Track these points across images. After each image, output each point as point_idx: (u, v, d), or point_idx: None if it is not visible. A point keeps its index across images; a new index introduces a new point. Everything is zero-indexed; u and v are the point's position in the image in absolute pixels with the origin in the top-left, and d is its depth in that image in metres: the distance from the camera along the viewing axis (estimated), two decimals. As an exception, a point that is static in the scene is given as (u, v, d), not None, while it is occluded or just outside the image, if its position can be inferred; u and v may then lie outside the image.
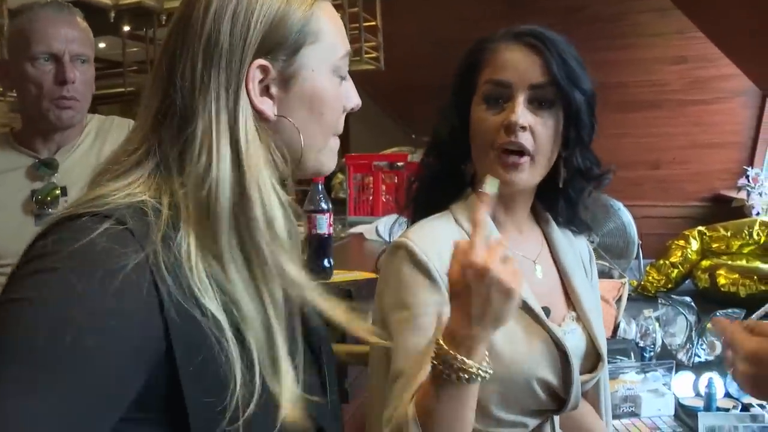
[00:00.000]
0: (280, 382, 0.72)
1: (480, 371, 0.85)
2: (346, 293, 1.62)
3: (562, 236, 1.18)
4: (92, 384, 0.62)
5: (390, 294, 1.04)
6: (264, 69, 0.75)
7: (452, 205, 1.12)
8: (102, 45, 9.27)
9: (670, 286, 2.94)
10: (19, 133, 1.65)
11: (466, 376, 0.84)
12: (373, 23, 4.17)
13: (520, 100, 1.03)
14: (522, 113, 1.02)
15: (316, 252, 1.74)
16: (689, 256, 2.96)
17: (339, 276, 1.76)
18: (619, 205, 3.08)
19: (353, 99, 0.85)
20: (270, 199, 0.73)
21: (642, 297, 2.85)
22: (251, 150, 0.73)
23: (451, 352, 0.84)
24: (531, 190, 1.12)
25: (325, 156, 0.83)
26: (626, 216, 3.04)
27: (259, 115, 0.76)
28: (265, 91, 0.76)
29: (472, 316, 0.83)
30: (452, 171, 1.13)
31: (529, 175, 1.05)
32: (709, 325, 2.00)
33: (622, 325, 2.12)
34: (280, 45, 0.75)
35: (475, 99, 1.08)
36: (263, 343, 0.72)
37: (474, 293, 0.82)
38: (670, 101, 4.26)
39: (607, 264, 2.43)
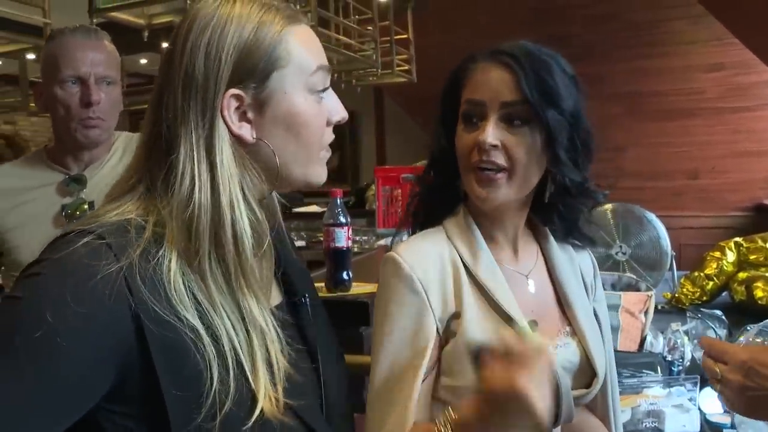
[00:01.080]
0: (257, 382, 0.77)
1: None
2: (363, 305, 1.64)
3: (560, 251, 1.18)
4: (57, 376, 0.70)
5: (378, 305, 1.08)
6: (238, 97, 0.81)
7: (445, 220, 1.14)
8: (143, 61, 9.55)
9: (705, 298, 2.88)
10: (52, 150, 1.73)
11: None
12: (405, 36, 4.20)
13: (492, 118, 1.04)
14: (492, 132, 1.03)
15: (335, 265, 1.77)
16: (725, 267, 2.90)
17: (358, 288, 1.78)
18: (652, 216, 3.03)
19: (338, 112, 0.91)
20: (241, 219, 0.80)
21: (676, 309, 2.79)
22: (226, 173, 0.80)
23: None
24: (522, 206, 1.12)
25: (312, 169, 0.89)
26: (659, 227, 2.99)
27: (238, 140, 0.82)
28: (243, 116, 0.83)
29: (491, 423, 0.83)
30: (446, 188, 1.14)
31: (507, 190, 1.05)
32: (741, 338, 1.95)
33: (649, 338, 2.08)
34: (250, 73, 0.81)
35: (460, 119, 1.09)
36: (239, 347, 0.78)
37: (503, 408, 0.81)
38: (707, 109, 4.17)
39: (635, 277, 2.39)
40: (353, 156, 7.24)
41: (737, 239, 2.98)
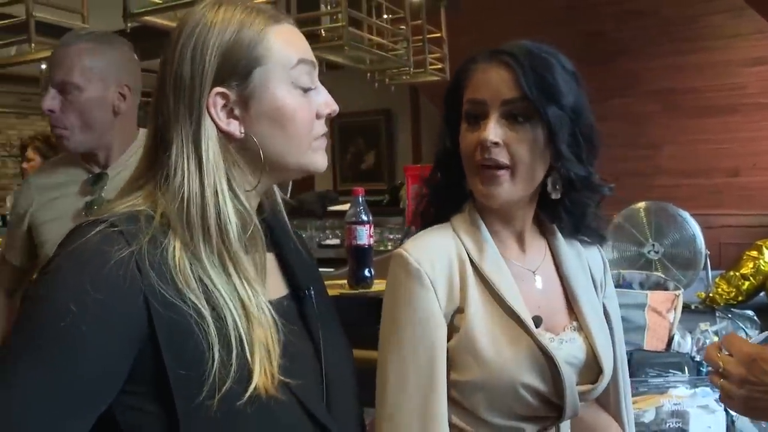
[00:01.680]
0: (254, 361, 0.82)
1: None
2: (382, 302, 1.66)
3: (567, 248, 1.19)
4: (86, 363, 0.77)
5: (387, 300, 1.10)
6: (223, 95, 0.87)
7: (452, 217, 1.15)
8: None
9: (740, 298, 2.82)
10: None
11: None
12: (438, 35, 4.20)
13: (493, 116, 1.05)
14: (493, 130, 1.04)
15: (357, 262, 1.79)
16: (762, 267, 2.84)
17: (379, 285, 1.80)
18: (686, 214, 2.99)
19: (328, 105, 0.95)
20: (226, 208, 0.85)
21: (710, 309, 2.74)
22: (212, 167, 0.86)
23: None
24: (528, 202, 1.13)
25: (307, 158, 0.94)
26: (694, 226, 2.94)
27: (227, 135, 0.88)
28: (230, 113, 0.88)
29: None
30: (452, 187, 1.16)
31: (511, 187, 1.07)
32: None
33: (677, 337, 2.05)
34: (233, 72, 0.87)
35: (462, 119, 1.11)
36: (241, 327, 0.83)
37: None
38: (748, 105, 4.07)
39: (663, 275, 2.36)
40: (389, 154, 7.26)
41: (775, 238, 2.92)
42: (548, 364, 1.05)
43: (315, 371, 0.96)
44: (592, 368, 1.12)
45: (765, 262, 2.85)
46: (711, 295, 2.87)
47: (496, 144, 1.05)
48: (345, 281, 1.82)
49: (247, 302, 0.85)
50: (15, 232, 1.80)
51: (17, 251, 1.79)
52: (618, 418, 1.21)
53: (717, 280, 2.93)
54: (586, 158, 1.10)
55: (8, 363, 0.77)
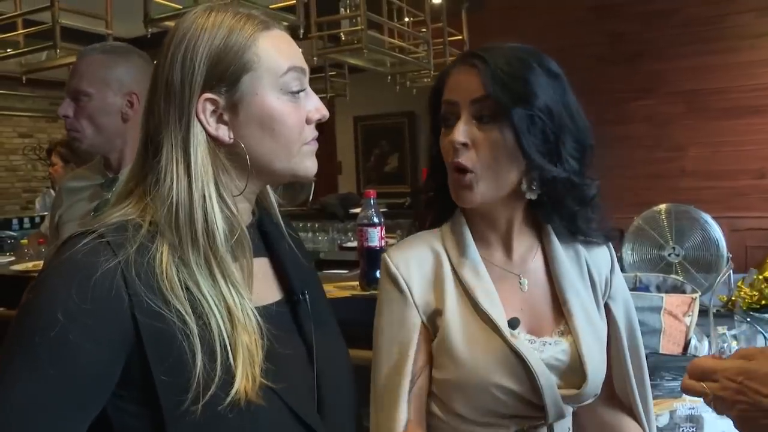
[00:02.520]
0: (236, 366, 0.83)
1: None
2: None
3: (562, 250, 1.18)
4: (76, 371, 0.78)
5: (376, 303, 1.15)
6: (212, 101, 0.88)
7: (444, 223, 1.19)
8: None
9: (764, 302, 2.77)
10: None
11: None
12: (460, 37, 4.20)
13: (464, 116, 1.07)
14: (461, 130, 1.06)
15: (368, 264, 1.81)
16: (786, 270, 2.79)
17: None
18: (707, 217, 2.95)
19: (318, 111, 0.96)
20: (212, 212, 0.87)
21: (731, 313, 2.71)
22: (200, 171, 0.87)
23: None
24: (511, 203, 1.13)
25: (296, 163, 0.94)
26: (715, 229, 2.90)
27: (216, 141, 0.89)
28: (220, 118, 0.90)
29: None
30: (443, 193, 1.17)
31: (482, 189, 1.08)
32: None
33: (693, 341, 2.03)
34: (222, 78, 0.88)
35: (441, 122, 1.13)
36: (226, 334, 0.84)
37: None
38: (776, 106, 4.00)
39: (680, 278, 2.34)
40: (412, 157, 7.26)
41: (800, 241, 2.86)
42: (522, 366, 1.06)
43: (307, 376, 0.97)
44: (576, 372, 1.10)
45: (789, 265, 2.80)
46: (733, 298, 2.83)
47: (464, 145, 1.07)
48: (357, 282, 1.83)
49: (232, 307, 0.86)
50: (53, 233, 1.92)
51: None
52: (638, 419, 1.20)
53: (739, 283, 2.88)
54: (569, 159, 1.08)
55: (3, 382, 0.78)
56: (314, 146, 0.96)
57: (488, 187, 1.08)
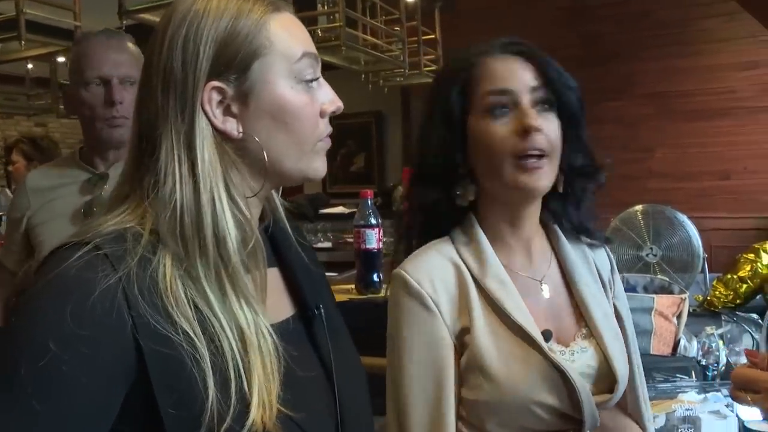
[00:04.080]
0: (252, 393, 0.73)
1: None
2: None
3: (572, 251, 1.16)
4: (70, 407, 0.67)
5: (391, 323, 1.07)
6: (219, 90, 0.77)
7: (452, 230, 1.12)
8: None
9: (738, 301, 2.82)
10: (83, 151, 1.79)
11: None
12: (433, 36, 4.18)
13: (526, 103, 1.04)
14: (533, 115, 1.03)
15: (366, 266, 1.76)
16: (759, 270, 2.85)
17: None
18: (683, 217, 2.99)
19: (333, 102, 0.86)
20: (224, 217, 0.76)
21: (708, 313, 2.75)
22: (207, 170, 0.76)
23: None
24: (538, 202, 1.11)
25: (306, 162, 0.84)
26: (691, 229, 2.94)
27: (223, 135, 0.78)
28: (227, 110, 0.79)
29: None
30: (449, 197, 1.11)
31: (550, 175, 1.05)
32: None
33: (683, 342, 2.05)
34: (230, 64, 0.77)
35: (474, 115, 1.07)
36: (239, 357, 0.74)
37: None
38: (739, 109, 4.10)
39: (667, 279, 2.36)
40: (379, 156, 7.23)
41: (772, 241, 2.93)
42: (562, 380, 1.02)
43: (326, 400, 0.88)
44: (607, 376, 1.09)
45: (762, 265, 2.86)
46: (709, 298, 2.88)
47: (539, 130, 1.03)
48: (353, 286, 1.79)
49: (245, 326, 0.75)
50: (12, 236, 1.78)
51: (15, 255, 1.77)
52: (638, 419, 1.19)
53: (714, 283, 2.93)
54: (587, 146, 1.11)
55: None
56: (327, 144, 0.86)
57: (549, 174, 1.06)
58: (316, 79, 0.84)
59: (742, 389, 0.90)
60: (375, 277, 1.77)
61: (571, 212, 1.15)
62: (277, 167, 0.82)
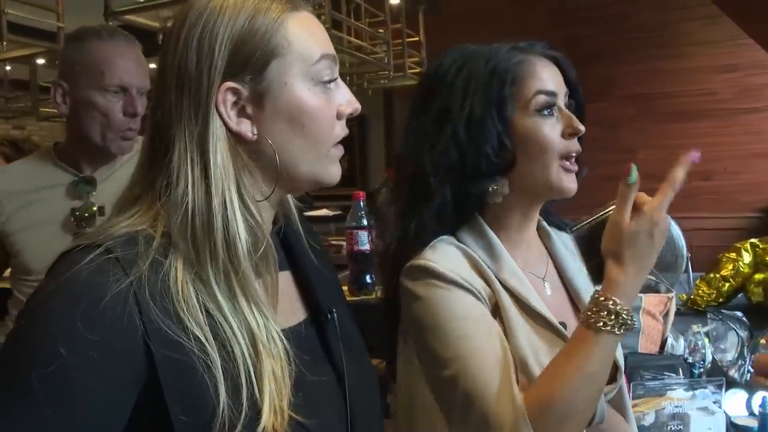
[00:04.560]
0: (263, 399, 0.72)
1: (631, 322, 0.94)
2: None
3: (560, 245, 1.19)
4: (81, 412, 0.66)
5: (429, 315, 1.02)
6: (234, 91, 0.76)
7: (458, 231, 1.10)
8: (153, 66, 9.58)
9: (721, 300, 2.87)
10: (62, 150, 1.68)
11: (625, 325, 0.94)
12: (417, 39, 4.19)
13: (563, 107, 1.08)
14: (576, 119, 1.08)
15: (359, 268, 1.76)
16: (741, 269, 2.89)
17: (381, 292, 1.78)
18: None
19: (350, 104, 0.84)
20: (235, 221, 0.74)
21: (692, 311, 2.78)
22: (219, 172, 0.74)
23: (614, 299, 0.93)
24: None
25: (321, 167, 0.82)
26: (674, 229, 2.97)
27: (237, 137, 0.77)
28: (242, 112, 0.77)
29: (638, 265, 0.95)
30: (462, 198, 1.08)
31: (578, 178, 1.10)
32: (762, 341, 1.94)
33: (670, 340, 2.07)
34: (246, 64, 0.76)
35: (521, 111, 1.06)
36: (250, 363, 0.72)
37: (647, 238, 0.94)
38: (719, 110, 4.16)
39: (654, 278, 2.38)
40: (362, 159, 7.24)
41: (753, 240, 2.98)
42: None
43: (338, 405, 0.86)
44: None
45: (744, 264, 2.90)
46: (692, 297, 2.91)
47: (583, 133, 1.08)
48: (345, 287, 1.79)
49: (256, 331, 0.74)
50: None
51: None
52: (623, 413, 1.21)
53: (697, 282, 2.97)
54: None
55: None
56: (340, 151, 0.84)
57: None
58: (334, 80, 0.82)
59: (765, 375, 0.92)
60: (368, 279, 1.77)
61: (552, 208, 1.21)
62: (291, 171, 0.80)
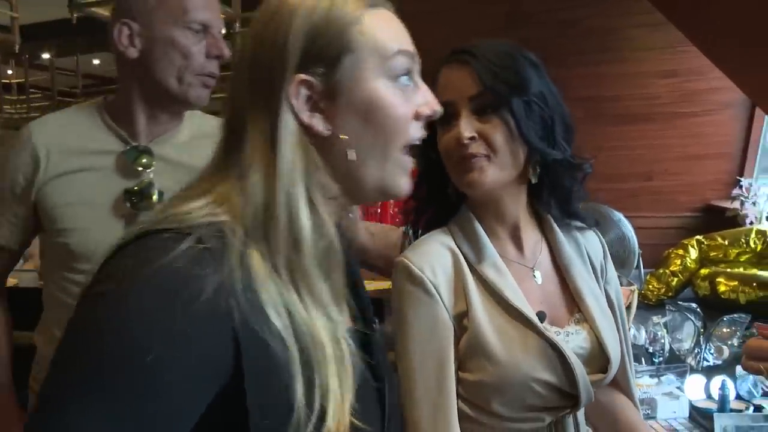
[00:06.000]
0: (327, 402, 0.71)
1: None
2: (377, 302, 1.64)
3: (564, 238, 1.22)
4: (163, 405, 0.63)
5: (394, 310, 1.12)
6: (308, 84, 0.75)
7: (450, 221, 1.19)
8: (96, 62, 9.22)
9: (670, 294, 3.00)
10: (114, 106, 1.45)
11: None
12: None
13: (464, 114, 1.10)
14: (465, 126, 1.09)
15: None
16: (688, 264, 3.03)
17: (369, 286, 1.78)
18: (619, 215, 3.14)
19: (430, 105, 0.82)
20: (299, 217, 0.73)
21: (643, 305, 2.91)
22: (287, 167, 0.73)
23: None
24: (517, 193, 1.17)
25: (390, 174, 0.80)
26: (626, 226, 3.10)
27: (309, 132, 0.76)
28: (315, 106, 0.76)
29: None
30: (442, 193, 1.20)
31: (494, 171, 1.11)
32: (724, 330, 2.06)
33: (632, 331, 2.17)
34: (320, 57, 0.75)
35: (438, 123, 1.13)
36: (324, 361, 0.72)
37: None
38: (661, 114, 4.33)
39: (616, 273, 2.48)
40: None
41: (699, 237, 3.13)
42: (558, 358, 1.09)
43: (377, 413, 0.87)
44: (599, 357, 1.16)
45: (691, 259, 3.05)
46: (643, 291, 3.04)
47: (471, 138, 1.09)
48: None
49: (323, 333, 0.73)
50: (9, 206, 1.42)
51: (10, 230, 1.43)
52: (629, 395, 1.27)
53: (648, 277, 3.10)
54: (560, 141, 1.14)
55: (65, 402, 0.62)
56: (411, 162, 0.82)
57: (496, 172, 1.11)
58: (412, 78, 0.81)
59: (755, 359, 0.98)
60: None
61: (551, 202, 1.21)
62: (358, 172, 0.78)
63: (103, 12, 2.39)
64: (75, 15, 2.27)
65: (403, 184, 0.82)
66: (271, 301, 0.69)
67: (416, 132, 0.82)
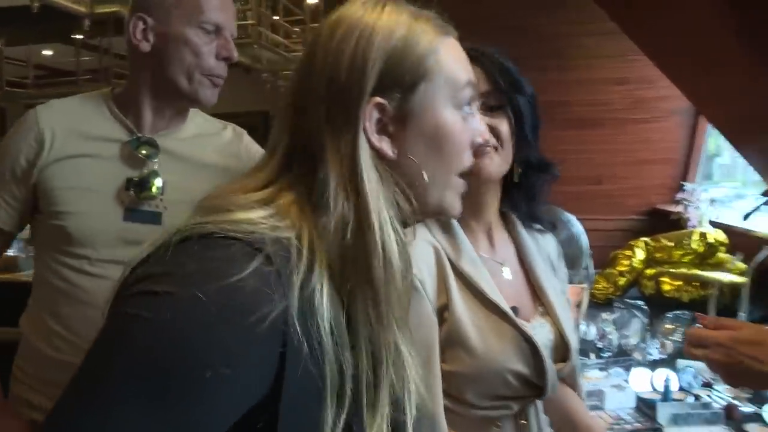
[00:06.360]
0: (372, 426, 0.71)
1: None
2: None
3: (528, 237, 1.29)
4: (203, 419, 0.62)
5: None
6: (381, 108, 0.75)
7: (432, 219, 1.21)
8: (48, 53, 8.92)
9: (618, 293, 3.12)
10: (121, 98, 1.46)
11: None
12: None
13: (474, 108, 1.16)
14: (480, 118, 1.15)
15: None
16: (635, 265, 3.15)
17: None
18: (569, 216, 3.23)
19: (481, 133, 0.86)
20: (389, 242, 0.72)
21: (592, 303, 3.01)
22: (372, 190, 0.73)
23: None
24: (495, 191, 1.24)
25: (448, 196, 0.82)
26: (577, 227, 3.19)
27: (377, 154, 0.76)
28: (383, 129, 0.77)
29: None
30: None
31: (498, 164, 1.17)
32: (668, 326, 2.16)
33: (582, 327, 2.26)
34: (397, 83, 0.76)
35: None
36: (365, 389, 0.71)
37: None
38: (612, 119, 4.48)
39: (566, 271, 2.56)
40: (267, 156, 7.18)
41: (645, 239, 3.25)
42: (530, 349, 1.15)
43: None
44: (560, 348, 1.23)
45: (638, 260, 3.17)
46: (592, 290, 3.15)
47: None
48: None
49: (392, 354, 0.73)
50: (7, 188, 1.41)
51: (7, 212, 1.42)
52: (575, 387, 1.34)
53: (596, 277, 3.21)
54: (535, 142, 1.22)
55: (107, 395, 0.60)
56: (463, 185, 0.84)
57: (500, 163, 1.17)
58: (472, 108, 0.84)
59: (696, 346, 1.07)
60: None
61: (522, 203, 1.28)
62: (422, 194, 0.79)
63: (65, 3, 2.36)
64: (36, 4, 2.24)
65: (457, 206, 0.85)
66: (326, 329, 0.68)
67: (468, 159, 0.84)
